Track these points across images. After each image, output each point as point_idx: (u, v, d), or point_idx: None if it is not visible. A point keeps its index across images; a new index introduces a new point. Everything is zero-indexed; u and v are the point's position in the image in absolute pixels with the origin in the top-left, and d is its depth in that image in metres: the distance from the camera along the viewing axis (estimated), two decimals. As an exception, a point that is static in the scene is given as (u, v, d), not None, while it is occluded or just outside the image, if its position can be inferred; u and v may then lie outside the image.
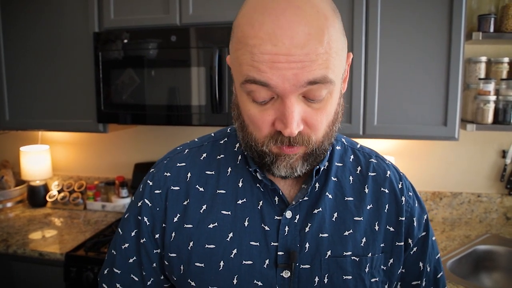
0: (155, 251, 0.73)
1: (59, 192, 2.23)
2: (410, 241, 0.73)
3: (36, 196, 2.22)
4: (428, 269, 0.76)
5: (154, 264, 0.74)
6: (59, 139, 2.35)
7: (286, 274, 0.67)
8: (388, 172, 0.76)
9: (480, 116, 1.65)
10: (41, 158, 2.22)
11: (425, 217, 0.76)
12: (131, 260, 0.75)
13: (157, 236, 0.72)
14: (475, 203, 1.91)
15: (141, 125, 2.13)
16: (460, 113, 1.57)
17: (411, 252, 0.74)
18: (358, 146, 0.80)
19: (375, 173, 0.75)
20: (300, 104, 0.57)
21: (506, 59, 1.70)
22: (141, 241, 0.73)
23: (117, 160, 2.28)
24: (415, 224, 0.74)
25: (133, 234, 0.75)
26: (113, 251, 0.77)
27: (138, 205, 0.74)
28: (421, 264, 0.75)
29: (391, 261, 0.72)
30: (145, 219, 0.73)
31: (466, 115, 1.75)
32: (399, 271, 0.73)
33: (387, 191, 0.74)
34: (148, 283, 0.75)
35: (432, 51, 1.55)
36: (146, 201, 0.74)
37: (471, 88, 1.73)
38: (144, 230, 0.73)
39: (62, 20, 1.87)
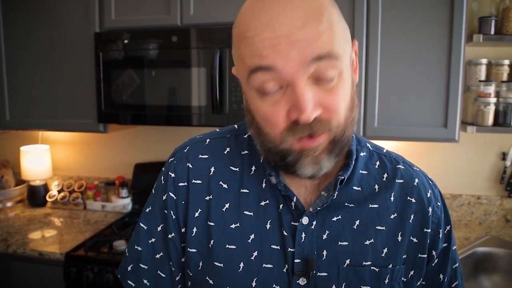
0: (183, 245, 0.71)
1: (59, 192, 2.23)
2: (434, 253, 0.71)
3: (36, 196, 2.22)
4: (446, 280, 0.74)
5: (183, 259, 0.72)
6: (59, 139, 2.35)
7: (302, 281, 0.65)
8: (416, 180, 0.72)
9: (481, 118, 1.65)
10: (41, 158, 2.22)
11: (448, 227, 0.73)
12: (158, 256, 0.72)
13: (183, 230, 0.70)
14: (475, 205, 1.91)
15: (141, 125, 2.13)
16: (461, 115, 1.57)
17: (433, 264, 0.72)
18: (385, 151, 0.76)
19: (402, 180, 0.71)
20: (311, 87, 0.54)
21: (507, 62, 1.70)
22: (170, 236, 0.71)
23: (117, 160, 2.28)
24: (440, 235, 0.71)
25: (159, 228, 0.72)
26: (136, 246, 0.73)
27: (164, 198, 0.72)
28: (441, 276, 0.73)
29: (411, 273, 0.70)
30: (172, 212, 0.71)
31: (467, 117, 1.76)
32: (419, 283, 0.71)
33: (413, 200, 0.70)
34: (177, 278, 0.73)
35: (433, 53, 1.55)
36: (171, 194, 0.71)
37: (472, 90, 1.73)
38: (171, 224, 0.71)
39: (62, 20, 1.87)
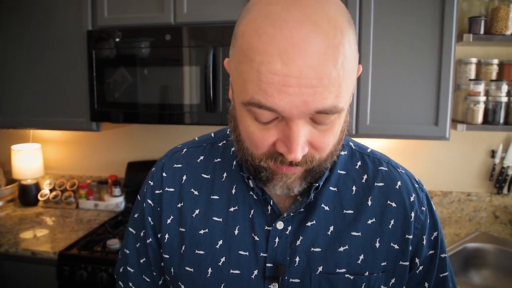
0: (161, 250, 0.73)
1: (51, 191, 2.21)
2: (417, 260, 0.68)
3: (27, 195, 2.20)
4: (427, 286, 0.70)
5: (162, 263, 0.73)
6: (51, 138, 2.33)
7: (274, 286, 0.65)
8: (399, 183, 0.69)
9: (470, 117, 1.68)
10: (33, 156, 2.20)
11: (435, 234, 0.69)
12: (141, 261, 0.74)
13: (159, 235, 0.72)
14: (465, 202, 1.94)
15: (134, 123, 2.12)
16: (451, 114, 1.59)
17: (417, 272, 0.69)
18: (369, 150, 0.73)
19: (382, 184, 0.68)
20: (306, 127, 0.52)
21: (496, 61, 1.73)
22: (148, 241, 0.73)
23: (110, 158, 2.27)
24: (424, 242, 0.68)
25: (142, 234, 0.74)
26: (126, 250, 0.76)
27: (144, 205, 0.74)
28: (426, 284, 0.69)
29: (392, 281, 0.67)
30: (149, 219, 0.73)
31: (457, 115, 1.78)
32: None
33: (394, 204, 0.67)
34: (160, 282, 0.75)
35: (424, 52, 1.57)
36: (149, 201, 0.73)
37: (462, 89, 1.76)
38: (149, 231, 0.73)
39: (55, 18, 1.86)
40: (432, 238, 0.69)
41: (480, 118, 1.67)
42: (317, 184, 0.64)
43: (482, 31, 1.65)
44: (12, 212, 2.11)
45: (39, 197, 2.19)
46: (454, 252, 1.63)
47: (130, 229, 0.77)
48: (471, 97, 1.67)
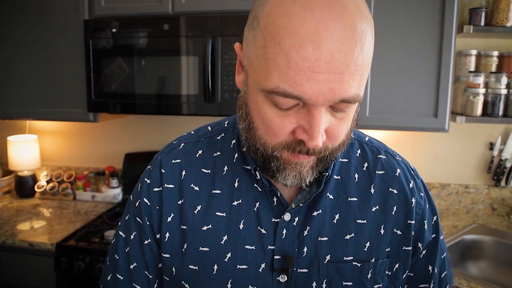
0: (160, 250, 0.70)
1: (48, 182, 2.20)
2: (420, 245, 0.69)
3: (24, 186, 2.18)
4: (436, 271, 0.72)
5: (160, 265, 0.71)
6: (47, 129, 2.31)
7: (282, 278, 0.64)
8: (398, 170, 0.70)
9: (470, 109, 1.68)
10: (29, 148, 2.18)
11: (435, 218, 0.72)
12: (132, 266, 0.71)
13: (158, 235, 0.69)
14: (463, 194, 1.94)
15: (131, 114, 2.11)
16: (451, 105, 1.59)
17: (420, 256, 0.71)
18: (367, 139, 0.73)
19: (383, 172, 0.69)
20: (327, 115, 0.52)
21: (496, 53, 1.72)
22: (146, 242, 0.70)
23: (107, 150, 2.26)
24: (425, 227, 0.69)
25: (133, 236, 0.71)
26: (115, 255, 0.72)
27: (137, 204, 0.71)
28: (430, 268, 0.71)
29: (396, 266, 0.68)
30: (146, 219, 0.69)
31: (456, 107, 1.78)
32: (405, 275, 0.70)
33: (395, 191, 0.68)
34: (155, 286, 0.72)
35: (424, 43, 1.56)
36: (145, 200, 0.70)
37: (461, 81, 1.76)
38: (147, 231, 0.69)
39: (51, 7, 1.83)
40: (432, 222, 0.71)
41: (479, 110, 1.66)
42: (327, 174, 0.64)
43: (482, 23, 1.64)
44: (9, 203, 2.10)
45: (36, 189, 2.18)
46: (451, 244, 1.64)
47: (120, 232, 0.73)
48: (470, 89, 1.66)
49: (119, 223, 0.75)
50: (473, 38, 1.81)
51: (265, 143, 0.57)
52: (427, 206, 0.70)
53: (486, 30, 1.64)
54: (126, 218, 0.73)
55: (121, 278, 0.71)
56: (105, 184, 2.15)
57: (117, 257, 0.72)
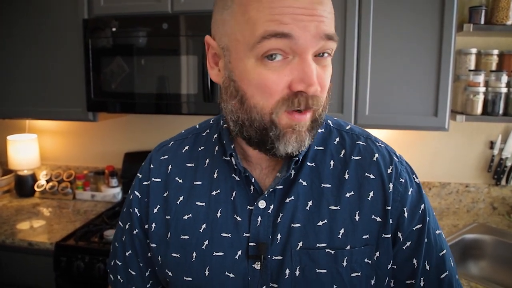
0: (148, 241, 0.74)
1: (47, 181, 2.20)
2: (400, 234, 0.66)
3: (23, 185, 2.18)
4: (428, 267, 0.67)
5: (149, 254, 0.75)
6: (47, 128, 2.31)
7: (257, 265, 0.65)
8: (376, 155, 0.68)
9: (470, 107, 1.67)
10: (29, 147, 2.18)
11: (422, 206, 0.67)
12: (127, 254, 0.77)
13: (146, 226, 0.74)
14: (463, 193, 1.94)
15: (131, 113, 2.11)
16: (450, 104, 1.58)
17: (403, 247, 0.66)
18: (348, 127, 0.73)
19: (359, 157, 0.68)
20: (313, 64, 0.57)
21: (496, 51, 1.72)
22: (134, 232, 0.75)
23: (107, 149, 2.26)
24: (405, 215, 0.65)
25: (127, 226, 0.77)
26: (115, 243, 0.79)
27: (131, 197, 0.77)
28: (415, 261, 0.66)
29: (377, 254, 0.65)
30: (136, 210, 0.75)
31: (456, 106, 1.77)
32: (389, 266, 0.66)
33: (372, 176, 0.66)
34: (147, 274, 0.77)
35: (424, 42, 1.56)
36: (136, 193, 0.76)
37: (461, 80, 1.75)
38: (136, 222, 0.75)
39: (50, 6, 1.83)
40: (419, 211, 0.67)
41: (479, 109, 1.66)
42: (296, 159, 0.64)
43: (482, 21, 1.63)
44: (9, 203, 2.10)
45: (35, 188, 2.18)
46: (452, 243, 1.64)
47: (120, 223, 0.80)
48: (470, 88, 1.66)
49: (120, 214, 0.82)
50: (473, 36, 1.81)
51: (262, 108, 0.58)
52: (409, 193, 0.66)
53: (486, 29, 1.63)
54: (124, 210, 0.80)
55: (119, 264, 0.78)
56: (104, 184, 2.15)
57: (117, 245, 0.79)
